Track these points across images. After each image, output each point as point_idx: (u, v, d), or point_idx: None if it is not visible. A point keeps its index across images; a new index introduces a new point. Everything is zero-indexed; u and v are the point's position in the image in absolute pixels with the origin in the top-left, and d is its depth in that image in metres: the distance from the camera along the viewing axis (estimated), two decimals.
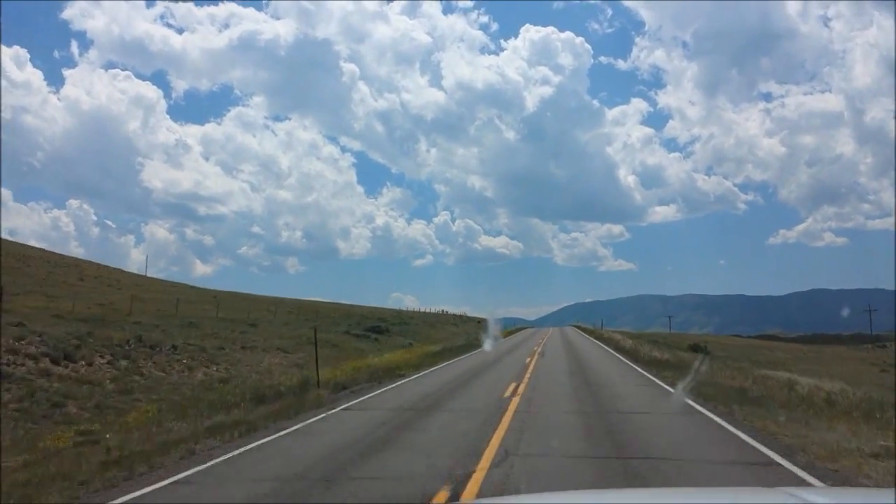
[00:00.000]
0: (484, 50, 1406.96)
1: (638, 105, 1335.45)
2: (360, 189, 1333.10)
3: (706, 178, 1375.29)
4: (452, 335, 53.66)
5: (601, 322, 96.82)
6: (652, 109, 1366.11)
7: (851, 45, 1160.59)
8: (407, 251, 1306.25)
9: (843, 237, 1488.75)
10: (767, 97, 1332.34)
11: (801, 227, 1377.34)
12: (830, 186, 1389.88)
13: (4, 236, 70.46)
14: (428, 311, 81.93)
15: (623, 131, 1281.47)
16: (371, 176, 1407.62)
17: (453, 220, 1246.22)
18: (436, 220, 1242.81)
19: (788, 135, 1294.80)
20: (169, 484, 7.37)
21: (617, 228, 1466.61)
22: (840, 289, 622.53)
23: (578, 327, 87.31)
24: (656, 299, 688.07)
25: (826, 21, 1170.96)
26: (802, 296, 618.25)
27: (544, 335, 57.02)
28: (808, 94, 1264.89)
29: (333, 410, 13.00)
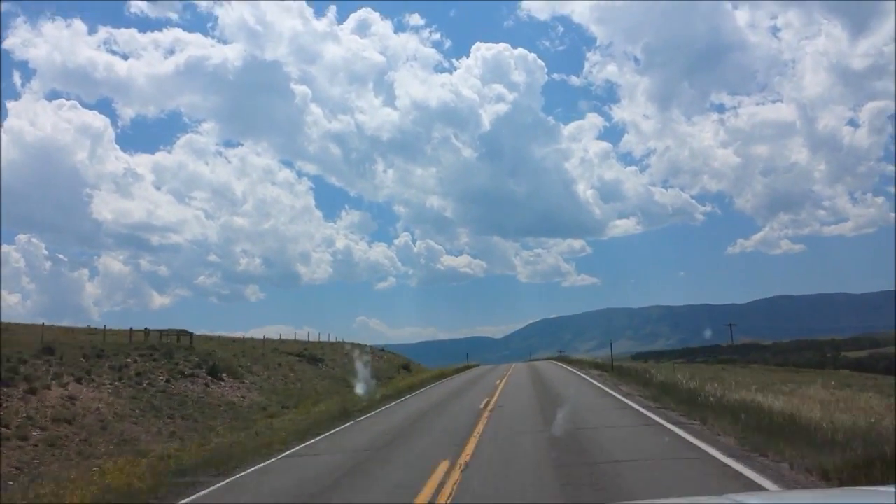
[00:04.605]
0: (437, 68, 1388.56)
1: (593, 120, 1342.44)
2: (318, 213, 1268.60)
3: (663, 190, 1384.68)
4: None
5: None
6: (607, 124, 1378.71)
7: (801, 55, 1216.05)
8: (369, 274, 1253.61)
9: (800, 244, 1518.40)
10: (720, 108, 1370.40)
11: (758, 235, 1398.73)
12: (785, 195, 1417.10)
13: None
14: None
15: (580, 146, 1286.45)
16: (329, 199, 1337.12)
17: (414, 242, 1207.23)
18: (396, 241, 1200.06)
19: (742, 145, 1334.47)
20: None
21: (578, 243, 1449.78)
22: (802, 294, 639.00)
23: (564, 361, 49.21)
24: (622, 312, 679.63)
25: (775, 31, 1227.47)
26: (766, 302, 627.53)
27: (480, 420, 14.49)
28: (760, 104, 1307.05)
29: None
